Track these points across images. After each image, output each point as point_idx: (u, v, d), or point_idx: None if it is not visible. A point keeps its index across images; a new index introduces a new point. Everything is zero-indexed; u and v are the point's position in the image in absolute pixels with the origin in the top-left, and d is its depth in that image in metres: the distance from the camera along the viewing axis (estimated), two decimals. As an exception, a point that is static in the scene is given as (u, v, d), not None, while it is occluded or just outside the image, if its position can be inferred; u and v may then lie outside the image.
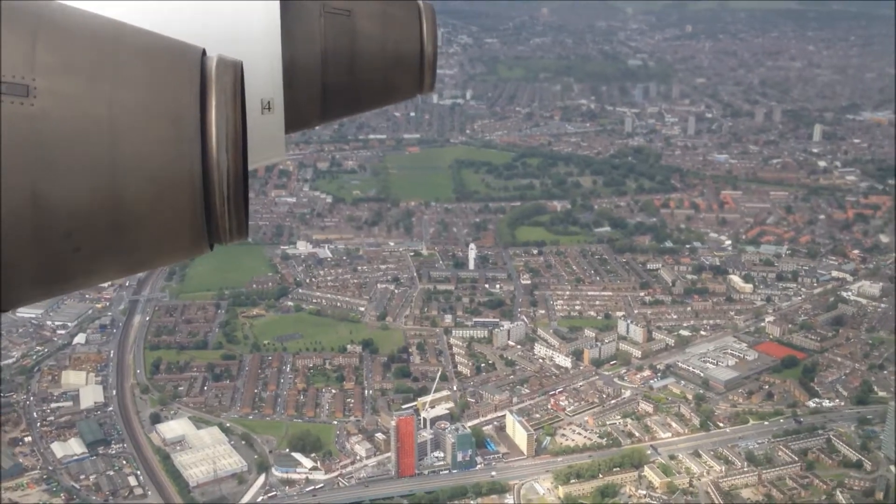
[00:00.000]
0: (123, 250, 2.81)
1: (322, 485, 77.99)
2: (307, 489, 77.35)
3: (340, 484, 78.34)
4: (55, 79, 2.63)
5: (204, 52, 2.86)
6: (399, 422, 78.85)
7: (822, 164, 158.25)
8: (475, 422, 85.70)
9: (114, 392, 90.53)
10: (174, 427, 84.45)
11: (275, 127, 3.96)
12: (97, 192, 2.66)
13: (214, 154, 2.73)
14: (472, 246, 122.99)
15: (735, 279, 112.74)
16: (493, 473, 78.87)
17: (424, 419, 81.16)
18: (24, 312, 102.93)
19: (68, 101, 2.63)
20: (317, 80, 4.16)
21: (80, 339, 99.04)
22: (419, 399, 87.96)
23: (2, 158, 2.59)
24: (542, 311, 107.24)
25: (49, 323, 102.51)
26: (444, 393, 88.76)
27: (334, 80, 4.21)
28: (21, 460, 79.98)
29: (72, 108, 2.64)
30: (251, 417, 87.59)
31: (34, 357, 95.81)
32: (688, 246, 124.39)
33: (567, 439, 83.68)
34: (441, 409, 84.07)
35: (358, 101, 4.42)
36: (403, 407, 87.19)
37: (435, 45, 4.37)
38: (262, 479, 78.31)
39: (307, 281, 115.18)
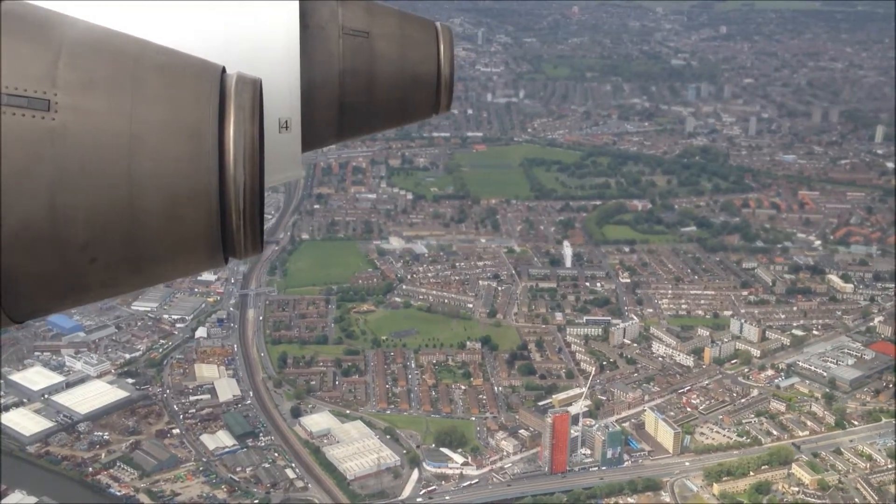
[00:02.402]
0: (139, 262, 2.90)
1: (476, 480, 78.92)
2: (463, 484, 78.28)
3: (494, 479, 79.21)
4: (76, 94, 2.74)
5: (224, 70, 2.98)
6: (555, 419, 79.87)
7: (889, 164, 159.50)
8: (610, 419, 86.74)
9: (247, 386, 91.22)
10: (318, 420, 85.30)
11: (292, 145, 4.07)
12: (115, 205, 2.76)
13: (231, 169, 2.82)
14: (566, 244, 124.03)
15: (834, 279, 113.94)
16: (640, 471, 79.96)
17: (576, 416, 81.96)
18: (140, 305, 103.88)
19: (89, 117, 2.74)
20: (334, 101, 4.25)
21: (201, 332, 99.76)
22: (553, 396, 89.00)
23: (22, 171, 2.68)
24: (650, 310, 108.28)
25: (166, 317, 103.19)
26: (578, 390, 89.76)
27: (351, 101, 4.29)
28: (173, 452, 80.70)
29: (92, 123, 2.74)
30: (388, 412, 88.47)
31: (160, 350, 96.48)
32: (779, 245, 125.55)
33: (707, 437, 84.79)
34: (580, 407, 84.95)
35: (374, 121, 4.53)
36: (539, 404, 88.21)
37: (452, 66, 4.46)
38: (415, 473, 79.21)
39: (408, 277, 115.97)
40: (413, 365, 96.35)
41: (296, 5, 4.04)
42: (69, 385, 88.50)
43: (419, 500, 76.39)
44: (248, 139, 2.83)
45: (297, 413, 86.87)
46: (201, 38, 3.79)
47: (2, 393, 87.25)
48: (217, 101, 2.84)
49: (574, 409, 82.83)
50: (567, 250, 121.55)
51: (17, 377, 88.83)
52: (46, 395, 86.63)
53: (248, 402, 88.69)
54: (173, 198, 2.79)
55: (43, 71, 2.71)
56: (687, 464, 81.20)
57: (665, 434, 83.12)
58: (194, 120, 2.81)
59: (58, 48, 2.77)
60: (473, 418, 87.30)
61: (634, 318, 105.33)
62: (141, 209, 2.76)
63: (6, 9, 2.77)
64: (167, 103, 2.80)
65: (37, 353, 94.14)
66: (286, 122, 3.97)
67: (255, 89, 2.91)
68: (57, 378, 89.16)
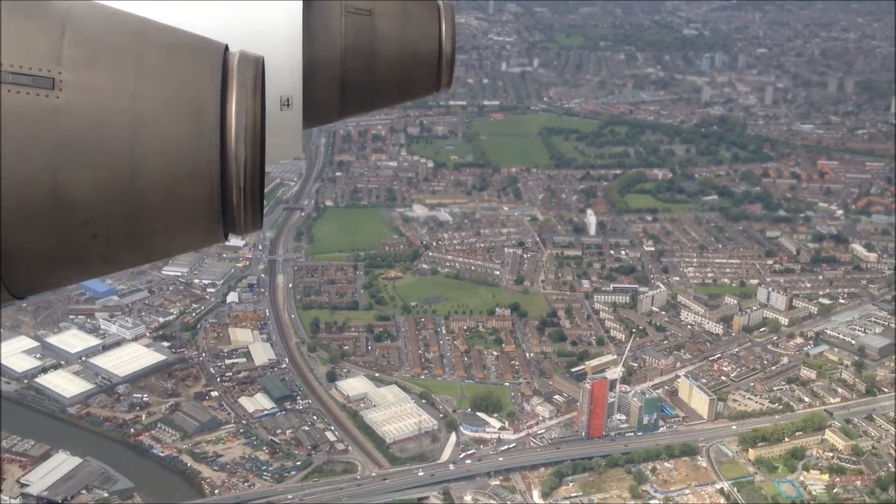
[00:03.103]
0: (139, 238, 2.92)
1: (514, 444, 79.84)
2: (502, 448, 79.20)
3: (531, 444, 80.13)
4: (80, 72, 2.75)
5: (226, 48, 2.99)
6: (593, 385, 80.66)
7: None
8: (643, 385, 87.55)
9: (281, 350, 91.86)
10: (354, 385, 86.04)
11: (293, 123, 4.10)
12: (116, 181, 2.77)
13: (233, 146, 2.83)
14: (590, 212, 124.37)
15: (858, 248, 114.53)
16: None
17: (613, 381, 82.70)
18: (170, 270, 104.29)
19: (92, 94, 2.75)
20: (336, 79, 4.27)
21: (232, 297, 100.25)
22: (586, 363, 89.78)
23: (25, 148, 2.70)
24: (677, 278, 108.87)
25: (197, 281, 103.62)
26: (610, 357, 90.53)
27: (353, 79, 4.31)
28: (213, 414, 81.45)
29: (96, 100, 2.75)
30: (423, 377, 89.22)
31: (193, 314, 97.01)
32: (801, 215, 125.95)
33: (739, 404, 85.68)
34: (617, 373, 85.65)
35: (376, 98, 4.55)
36: (572, 370, 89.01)
37: (453, 45, 4.46)
38: (453, 437, 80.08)
39: (434, 244, 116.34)
40: (444, 331, 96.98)
41: None
42: (105, 348, 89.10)
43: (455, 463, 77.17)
44: (250, 117, 2.86)
45: (332, 377, 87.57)
46: (204, 16, 3.83)
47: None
48: (219, 78, 2.87)
49: (610, 376, 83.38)
50: (591, 218, 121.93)
51: (53, 339, 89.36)
52: (84, 358, 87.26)
53: (284, 365, 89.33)
54: (175, 174, 2.82)
55: (47, 49, 2.75)
56: (721, 429, 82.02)
57: (699, 400, 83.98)
58: (196, 97, 2.84)
59: (62, 26, 2.79)
60: (507, 384, 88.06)
61: (661, 286, 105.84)
62: (143, 186, 2.80)
63: None
64: (170, 81, 2.84)
65: (71, 317, 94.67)
66: (288, 99, 4.01)
67: (257, 67, 2.94)
68: (93, 341, 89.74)
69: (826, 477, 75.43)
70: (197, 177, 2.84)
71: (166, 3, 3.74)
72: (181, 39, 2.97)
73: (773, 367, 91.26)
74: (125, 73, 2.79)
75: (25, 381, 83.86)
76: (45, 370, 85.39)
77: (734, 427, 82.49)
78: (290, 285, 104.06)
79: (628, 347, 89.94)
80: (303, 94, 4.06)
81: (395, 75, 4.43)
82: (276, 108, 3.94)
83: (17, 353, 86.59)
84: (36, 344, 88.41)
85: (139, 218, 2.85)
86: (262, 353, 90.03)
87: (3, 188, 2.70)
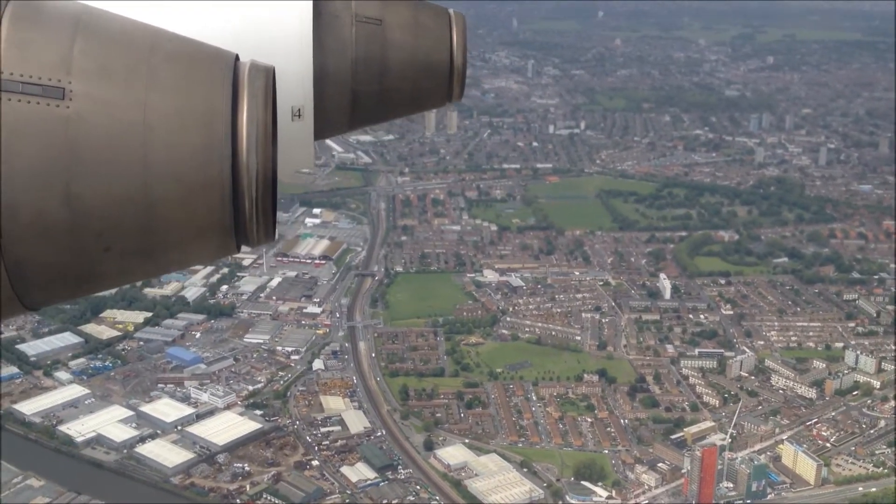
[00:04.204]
0: (153, 251, 2.91)
1: (624, 513, 78.62)
2: (611, 518, 78.02)
3: (640, 513, 78.91)
4: (91, 82, 2.74)
5: (237, 58, 2.98)
6: (704, 452, 79.57)
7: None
8: (745, 452, 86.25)
9: (374, 418, 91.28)
10: (453, 453, 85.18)
11: (304, 134, 4.09)
12: (128, 193, 2.76)
13: (244, 157, 2.82)
14: (662, 276, 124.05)
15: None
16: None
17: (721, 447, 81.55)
18: (252, 338, 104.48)
19: (103, 105, 2.74)
20: (347, 89, 4.25)
21: (318, 364, 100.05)
22: (685, 429, 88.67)
23: (37, 160, 2.69)
24: (761, 342, 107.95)
25: (280, 349, 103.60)
26: (709, 423, 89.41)
27: (364, 89, 4.30)
28: (316, 483, 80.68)
29: (106, 111, 2.75)
30: (520, 445, 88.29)
31: (281, 382, 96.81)
32: (875, 276, 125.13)
33: (843, 469, 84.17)
34: (726, 439, 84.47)
35: (387, 109, 4.53)
36: (672, 437, 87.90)
37: (464, 55, 4.46)
38: (560, 507, 78.95)
39: (510, 309, 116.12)
40: (534, 397, 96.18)
41: None
42: (199, 417, 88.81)
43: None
44: (261, 127, 2.86)
45: (429, 446, 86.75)
46: (215, 26, 3.82)
47: None
48: (230, 88, 2.87)
49: (717, 442, 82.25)
50: (665, 282, 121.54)
51: (147, 409, 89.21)
52: (180, 427, 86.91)
53: (379, 434, 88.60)
54: (187, 186, 2.81)
55: (58, 59, 2.74)
56: (829, 495, 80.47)
57: (804, 466, 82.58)
58: (207, 108, 2.84)
59: (72, 36, 2.79)
60: (606, 451, 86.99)
61: (746, 350, 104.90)
62: (155, 197, 2.79)
63: None
64: (181, 91, 2.83)
65: (160, 385, 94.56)
66: (299, 110, 4.01)
67: (268, 77, 2.94)
68: (187, 410, 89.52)
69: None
70: (209, 188, 2.82)
71: (177, 12, 3.76)
72: (192, 49, 2.96)
73: (872, 431, 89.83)
74: (136, 84, 2.78)
75: (125, 450, 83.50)
76: (142, 439, 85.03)
77: (843, 492, 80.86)
78: (374, 354, 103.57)
79: (736, 414, 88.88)
80: (314, 104, 4.05)
81: (407, 85, 4.42)
82: (287, 119, 3.94)
83: (112, 423, 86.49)
84: (130, 413, 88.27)
85: (152, 229, 2.83)
86: (357, 422, 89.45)
87: (15, 200, 2.68)
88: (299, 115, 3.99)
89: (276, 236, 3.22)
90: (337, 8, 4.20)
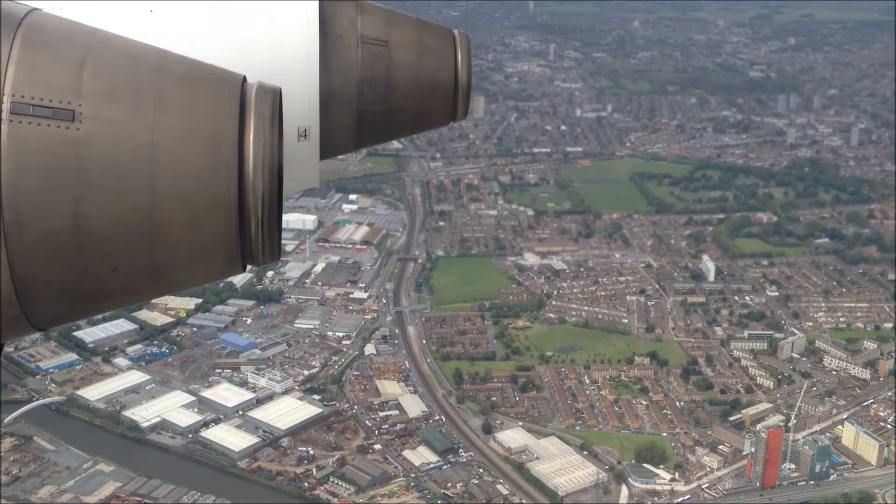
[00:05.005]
0: (159, 270, 2.94)
1: (688, 496, 78.99)
2: (676, 500, 78.40)
3: (704, 495, 79.27)
4: (100, 104, 2.79)
5: (244, 79, 3.03)
6: (770, 433, 79.96)
7: None
8: (804, 433, 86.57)
9: (429, 401, 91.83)
10: (513, 436, 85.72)
11: (310, 154, 4.11)
12: (136, 213, 2.80)
13: (251, 178, 2.86)
14: (705, 258, 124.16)
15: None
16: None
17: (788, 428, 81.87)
18: (302, 323, 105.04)
19: (112, 126, 2.78)
20: (352, 109, 4.28)
21: (370, 349, 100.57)
22: (743, 411, 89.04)
23: (46, 181, 2.73)
24: (809, 324, 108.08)
25: (330, 334, 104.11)
26: (767, 405, 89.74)
27: (370, 109, 4.32)
28: (380, 467, 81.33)
29: (115, 132, 2.78)
30: (577, 428, 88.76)
31: (336, 367, 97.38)
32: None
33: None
34: (775, 421, 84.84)
35: (392, 128, 4.57)
36: (730, 419, 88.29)
37: (469, 74, 4.47)
38: (624, 489, 79.39)
39: (555, 293, 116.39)
40: (587, 380, 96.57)
41: (316, 14, 4.11)
42: (259, 401, 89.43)
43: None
44: (268, 148, 2.90)
45: (487, 429, 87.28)
46: (222, 47, 3.85)
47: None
48: (237, 110, 2.92)
49: (776, 424, 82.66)
50: (708, 264, 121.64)
51: (207, 394, 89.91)
52: (241, 412, 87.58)
53: (437, 418, 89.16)
54: (193, 206, 2.85)
55: (67, 81, 2.79)
56: (892, 475, 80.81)
57: (866, 447, 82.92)
58: (214, 129, 2.88)
59: (82, 58, 2.83)
60: (664, 434, 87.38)
61: (796, 331, 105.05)
62: (162, 218, 2.83)
63: (31, 20, 2.86)
64: (188, 113, 2.87)
65: (218, 371, 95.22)
66: (305, 130, 4.04)
67: (274, 98, 2.98)
68: (247, 395, 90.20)
69: None
70: (215, 208, 2.86)
71: (184, 34, 3.80)
72: (199, 71, 3.02)
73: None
74: (144, 106, 2.83)
75: (190, 435, 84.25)
76: (205, 424, 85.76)
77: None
78: (424, 340, 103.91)
79: (802, 394, 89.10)
80: (320, 124, 4.10)
81: (412, 105, 4.46)
82: (293, 139, 3.98)
83: (175, 408, 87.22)
84: (192, 398, 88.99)
85: (159, 250, 2.88)
86: (414, 405, 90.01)
87: (24, 220, 2.73)
88: (305, 136, 4.04)
89: (281, 256, 3.24)
90: (343, 29, 4.26)
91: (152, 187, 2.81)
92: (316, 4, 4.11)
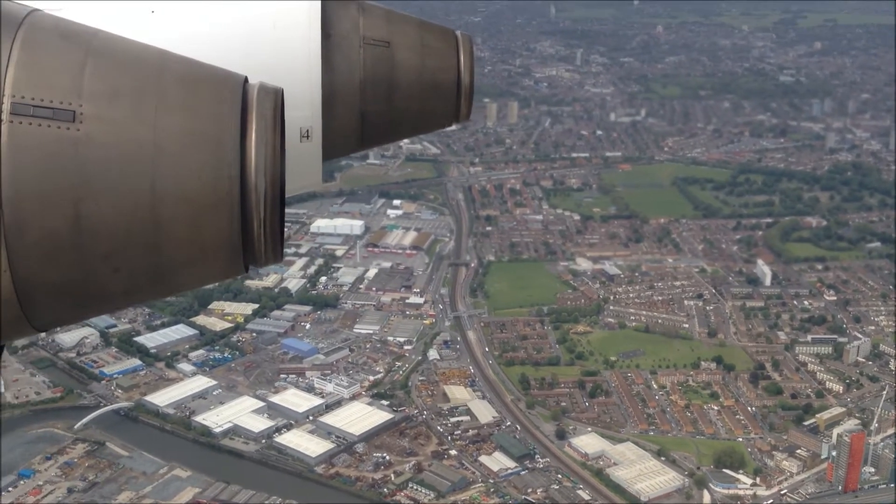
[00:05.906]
0: (161, 271, 2.90)
1: (770, 500, 78.17)
2: (760, 505, 77.72)
3: (787, 500, 78.43)
4: (101, 105, 2.76)
5: (246, 80, 2.99)
6: (853, 437, 79.13)
7: None
8: (880, 436, 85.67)
9: (499, 407, 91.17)
10: (589, 442, 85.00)
11: (313, 155, 4.09)
12: (137, 214, 2.77)
13: (253, 178, 2.82)
14: (760, 262, 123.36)
15: None
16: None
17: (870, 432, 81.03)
18: (362, 328, 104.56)
19: (113, 127, 2.75)
20: (355, 110, 4.25)
21: (433, 354, 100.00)
22: (817, 416, 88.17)
23: (47, 181, 2.69)
24: (871, 328, 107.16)
25: (391, 339, 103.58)
26: (840, 409, 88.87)
27: (372, 110, 4.30)
28: (459, 473, 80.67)
29: (116, 133, 2.75)
30: (651, 433, 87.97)
31: (401, 372, 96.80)
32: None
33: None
34: (850, 425, 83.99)
35: (395, 129, 4.55)
36: (804, 424, 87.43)
37: (472, 75, 4.44)
38: (706, 494, 78.59)
39: (612, 298, 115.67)
40: (654, 385, 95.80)
41: (318, 15, 4.06)
42: (328, 407, 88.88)
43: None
44: (270, 149, 2.85)
45: (561, 434, 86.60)
46: (224, 47, 3.80)
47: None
48: (239, 110, 2.87)
49: (854, 428, 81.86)
50: (764, 269, 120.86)
51: (276, 399, 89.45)
52: (311, 417, 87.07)
53: (508, 423, 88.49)
54: (195, 207, 2.80)
55: (69, 82, 2.75)
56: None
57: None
58: (216, 129, 2.84)
59: (83, 59, 2.79)
60: (740, 439, 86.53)
61: (858, 335, 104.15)
62: (163, 218, 2.78)
63: (31, 21, 2.81)
64: (190, 113, 2.83)
65: (283, 376, 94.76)
66: (307, 131, 4.00)
67: (276, 99, 2.93)
68: (315, 400, 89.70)
69: None
70: (217, 209, 2.82)
71: (186, 35, 3.76)
72: (201, 71, 2.97)
73: None
74: (146, 106, 2.78)
75: (263, 440, 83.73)
76: (278, 429, 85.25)
77: None
78: (485, 346, 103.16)
79: (883, 398, 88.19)
80: (322, 125, 4.06)
81: (414, 106, 4.43)
82: (295, 140, 3.94)
83: (246, 413, 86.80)
84: (261, 404, 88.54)
85: (160, 250, 2.83)
86: (485, 411, 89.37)
87: (24, 221, 2.69)
88: (308, 136, 4.01)
89: (284, 256, 3.09)
90: (345, 30, 4.22)
91: (153, 188, 2.77)
92: (318, 5, 4.09)
